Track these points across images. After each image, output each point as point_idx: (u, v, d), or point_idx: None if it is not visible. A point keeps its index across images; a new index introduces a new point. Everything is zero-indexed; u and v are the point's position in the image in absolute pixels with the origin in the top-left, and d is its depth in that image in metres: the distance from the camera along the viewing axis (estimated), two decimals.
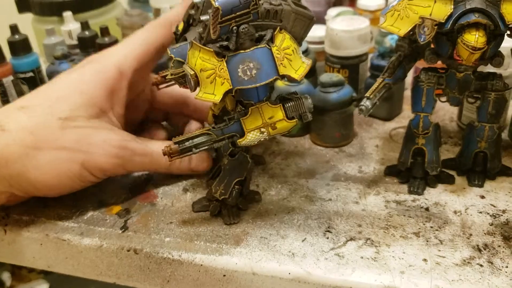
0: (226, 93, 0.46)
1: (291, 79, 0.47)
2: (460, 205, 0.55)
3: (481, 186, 0.57)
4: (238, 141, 0.49)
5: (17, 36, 0.75)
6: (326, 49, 0.72)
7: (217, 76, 0.46)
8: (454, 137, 0.67)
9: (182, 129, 0.69)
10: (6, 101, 0.75)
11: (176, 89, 0.59)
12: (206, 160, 0.60)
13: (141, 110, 0.66)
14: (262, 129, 0.49)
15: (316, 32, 0.77)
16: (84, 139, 0.54)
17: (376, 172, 0.61)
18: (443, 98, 0.56)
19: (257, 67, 0.45)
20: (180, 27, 0.54)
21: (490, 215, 0.53)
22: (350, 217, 0.54)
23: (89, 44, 0.76)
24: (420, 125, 0.55)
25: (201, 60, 0.46)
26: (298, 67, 0.48)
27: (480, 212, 0.54)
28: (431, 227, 0.52)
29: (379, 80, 0.54)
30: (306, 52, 0.72)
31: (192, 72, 0.47)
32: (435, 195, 0.56)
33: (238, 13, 0.44)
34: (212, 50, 0.46)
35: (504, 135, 0.66)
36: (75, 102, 0.55)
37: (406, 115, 0.72)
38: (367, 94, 0.53)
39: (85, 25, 0.76)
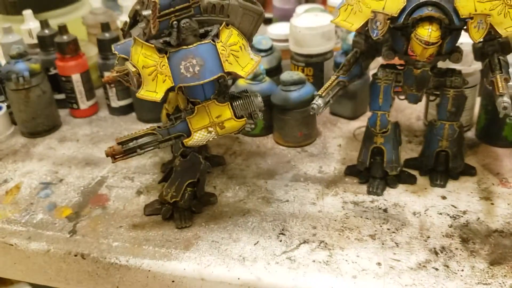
0: (169, 91, 0.44)
1: (237, 77, 0.45)
2: (420, 206, 0.53)
3: (443, 186, 0.55)
4: (184, 141, 0.48)
5: None
6: (291, 47, 0.70)
7: (159, 73, 0.44)
8: (419, 136, 0.65)
9: None
10: None
11: None
12: None
13: None
14: (210, 129, 0.47)
15: (282, 29, 0.75)
16: None
17: (336, 172, 0.59)
18: (402, 96, 0.54)
19: (200, 64, 0.44)
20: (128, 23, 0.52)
21: (450, 217, 0.51)
22: (305, 218, 0.52)
23: (49, 43, 0.74)
24: (378, 123, 0.54)
25: (143, 57, 0.44)
26: (245, 64, 0.46)
27: (440, 213, 0.52)
28: (388, 229, 0.50)
29: (332, 77, 0.52)
30: (271, 50, 0.70)
31: (134, 69, 0.45)
32: (395, 195, 0.55)
33: (177, 7, 0.43)
34: (153, 46, 0.44)
35: (471, 133, 0.65)
36: None
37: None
38: (319, 92, 0.51)
39: (44, 24, 0.74)
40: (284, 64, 0.73)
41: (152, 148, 0.48)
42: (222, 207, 0.55)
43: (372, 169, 0.55)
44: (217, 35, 0.45)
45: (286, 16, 0.85)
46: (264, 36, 0.71)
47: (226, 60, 0.44)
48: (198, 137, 0.47)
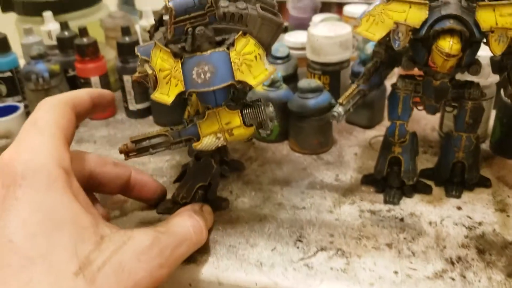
0: (180, 95, 0.45)
1: (247, 86, 0.46)
2: (436, 216, 0.53)
3: (458, 197, 0.56)
4: (193, 145, 0.48)
5: None
6: (308, 55, 0.71)
7: (172, 77, 0.45)
8: (434, 146, 0.65)
9: None
10: None
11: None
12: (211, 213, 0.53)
13: None
14: (219, 135, 0.48)
15: (299, 38, 0.76)
16: (118, 273, 0.38)
17: (353, 180, 0.60)
18: (420, 107, 0.54)
19: (212, 71, 0.44)
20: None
21: (466, 227, 0.52)
22: (322, 226, 0.53)
23: (68, 45, 0.75)
24: (396, 133, 0.54)
25: (161, 60, 0.45)
26: (258, 73, 0.45)
27: (456, 224, 0.52)
28: (405, 238, 0.51)
29: (353, 86, 0.53)
30: (287, 58, 0.71)
31: (151, 71, 0.46)
32: (411, 205, 0.55)
33: (192, 15, 0.43)
34: (169, 50, 0.45)
35: (486, 145, 0.65)
36: (70, 235, 0.37)
37: (387, 123, 0.71)
38: (340, 100, 0.52)
39: (64, 26, 0.75)
40: (300, 72, 0.74)
41: (163, 149, 0.49)
42: (239, 211, 0.56)
43: (389, 179, 0.56)
44: (232, 44, 0.45)
45: (301, 25, 0.86)
46: (281, 44, 0.72)
47: (238, 68, 0.44)
48: (206, 142, 0.48)
